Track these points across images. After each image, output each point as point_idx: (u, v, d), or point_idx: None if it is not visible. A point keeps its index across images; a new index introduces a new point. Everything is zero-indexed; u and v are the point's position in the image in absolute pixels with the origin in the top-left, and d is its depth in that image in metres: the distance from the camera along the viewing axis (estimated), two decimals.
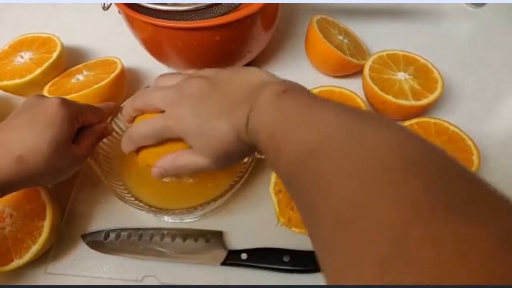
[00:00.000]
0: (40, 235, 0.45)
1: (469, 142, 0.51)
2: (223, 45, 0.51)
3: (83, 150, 0.43)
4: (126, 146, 0.41)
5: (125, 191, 0.48)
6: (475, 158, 0.49)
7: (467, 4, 0.74)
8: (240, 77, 0.37)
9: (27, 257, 0.44)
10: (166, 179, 0.49)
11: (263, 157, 0.50)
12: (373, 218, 0.20)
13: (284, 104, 0.31)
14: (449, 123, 0.53)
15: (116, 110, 0.50)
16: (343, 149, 0.25)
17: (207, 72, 0.40)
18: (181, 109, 0.37)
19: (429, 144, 0.24)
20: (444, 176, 0.21)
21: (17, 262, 0.44)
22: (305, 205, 0.26)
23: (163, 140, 0.39)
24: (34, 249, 0.44)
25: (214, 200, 0.44)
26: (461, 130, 0.52)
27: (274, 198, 0.48)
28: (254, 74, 0.37)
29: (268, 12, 0.54)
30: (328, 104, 0.30)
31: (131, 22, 0.53)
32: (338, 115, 0.28)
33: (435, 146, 0.24)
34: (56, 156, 0.39)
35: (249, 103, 0.34)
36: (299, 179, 0.27)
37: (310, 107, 0.30)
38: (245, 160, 0.48)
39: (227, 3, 0.50)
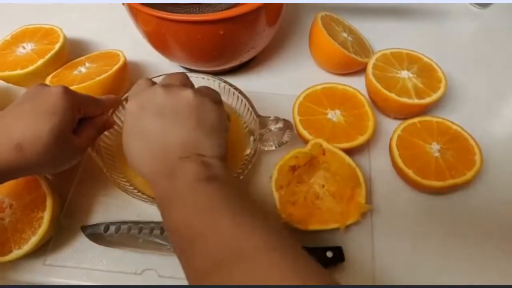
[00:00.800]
0: (39, 226, 0.45)
1: (472, 141, 0.51)
2: (227, 39, 0.51)
3: (83, 141, 0.43)
4: None
5: (127, 183, 0.47)
6: (477, 157, 0.49)
7: (471, 4, 0.74)
8: (175, 131, 0.38)
9: (26, 248, 0.44)
10: None
11: (266, 148, 0.50)
12: None
13: (201, 193, 0.34)
14: (451, 122, 0.52)
15: (117, 103, 0.50)
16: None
17: (165, 100, 0.39)
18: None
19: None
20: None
21: (16, 253, 0.44)
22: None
23: None
24: (34, 240, 0.44)
25: None
26: (463, 129, 0.52)
27: (276, 194, 0.47)
28: (186, 128, 0.38)
29: (272, 8, 0.53)
30: (229, 221, 0.32)
31: (134, 14, 0.53)
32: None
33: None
34: (56, 145, 0.39)
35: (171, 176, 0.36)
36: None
37: (219, 221, 0.32)
38: (248, 152, 0.48)
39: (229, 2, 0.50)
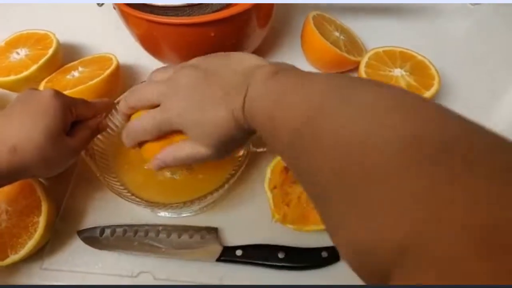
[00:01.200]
0: (35, 231, 0.45)
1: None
2: (218, 41, 0.51)
3: (77, 142, 0.43)
4: (126, 142, 0.41)
5: (121, 187, 0.48)
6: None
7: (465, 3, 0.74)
8: (231, 62, 0.37)
9: (22, 252, 0.44)
10: (160, 175, 0.49)
11: (258, 150, 0.50)
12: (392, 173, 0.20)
13: (277, 83, 0.32)
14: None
15: (110, 106, 0.50)
16: (342, 109, 0.25)
17: (196, 61, 0.40)
18: (176, 101, 0.37)
19: (429, 104, 0.24)
20: (443, 133, 0.21)
21: (12, 258, 0.44)
22: (309, 171, 0.26)
23: (163, 133, 0.39)
24: (30, 244, 0.44)
25: (211, 193, 0.44)
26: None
27: (269, 194, 0.48)
28: (243, 59, 0.37)
29: (263, 8, 0.54)
30: (319, 76, 0.30)
31: (126, 18, 0.53)
32: (330, 84, 0.28)
33: (439, 106, 0.24)
34: (50, 145, 0.39)
35: (243, 88, 0.34)
36: (300, 148, 0.27)
37: (303, 81, 0.30)
38: (241, 153, 0.48)
39: (219, 3, 0.50)
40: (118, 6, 0.52)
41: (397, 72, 0.56)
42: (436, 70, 0.57)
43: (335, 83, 0.28)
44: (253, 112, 0.33)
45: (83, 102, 0.45)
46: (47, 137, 0.39)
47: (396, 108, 0.23)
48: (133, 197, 0.46)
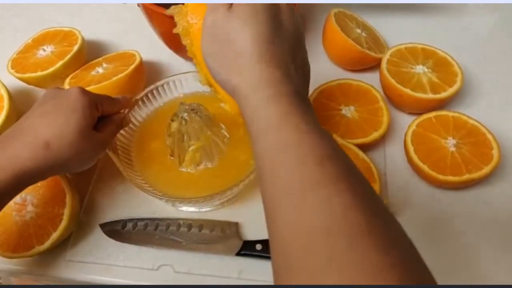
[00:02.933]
0: (60, 222, 0.46)
1: (489, 135, 0.50)
2: None
3: (105, 136, 0.45)
4: None
5: (143, 181, 0.48)
6: (495, 152, 0.49)
7: None
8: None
9: (47, 244, 0.45)
10: (182, 170, 0.50)
11: None
12: None
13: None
14: (468, 116, 0.52)
15: (132, 103, 0.51)
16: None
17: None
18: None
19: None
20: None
21: (38, 249, 0.45)
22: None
23: None
24: (54, 236, 0.45)
25: (231, 188, 0.45)
26: (481, 124, 0.51)
27: None
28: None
29: None
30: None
31: (149, 15, 0.54)
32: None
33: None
34: (81, 140, 0.41)
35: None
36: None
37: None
38: None
39: None
40: (142, 4, 0.52)
41: (419, 69, 0.56)
42: (459, 66, 0.56)
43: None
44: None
45: (107, 98, 0.47)
46: (78, 132, 0.41)
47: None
48: (155, 191, 0.47)
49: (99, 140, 0.44)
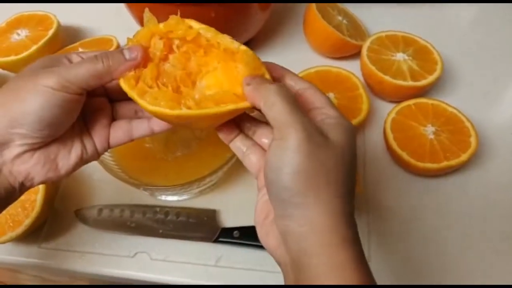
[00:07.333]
0: (33, 209, 0.45)
1: (468, 123, 0.50)
2: (218, 22, 0.51)
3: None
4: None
5: (119, 170, 0.47)
6: (472, 139, 0.49)
7: None
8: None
9: (19, 230, 0.44)
10: (159, 156, 0.49)
11: None
12: None
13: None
14: (447, 104, 0.52)
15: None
16: None
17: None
18: None
19: None
20: None
21: (10, 235, 0.44)
22: None
23: None
24: (27, 222, 0.44)
25: (210, 175, 0.44)
26: (459, 112, 0.51)
27: None
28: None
29: None
30: None
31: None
32: None
33: None
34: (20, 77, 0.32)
35: None
36: None
37: None
38: None
39: None
40: None
41: (400, 56, 0.56)
42: (439, 55, 0.56)
43: None
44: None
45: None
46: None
47: None
48: (131, 179, 0.46)
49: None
